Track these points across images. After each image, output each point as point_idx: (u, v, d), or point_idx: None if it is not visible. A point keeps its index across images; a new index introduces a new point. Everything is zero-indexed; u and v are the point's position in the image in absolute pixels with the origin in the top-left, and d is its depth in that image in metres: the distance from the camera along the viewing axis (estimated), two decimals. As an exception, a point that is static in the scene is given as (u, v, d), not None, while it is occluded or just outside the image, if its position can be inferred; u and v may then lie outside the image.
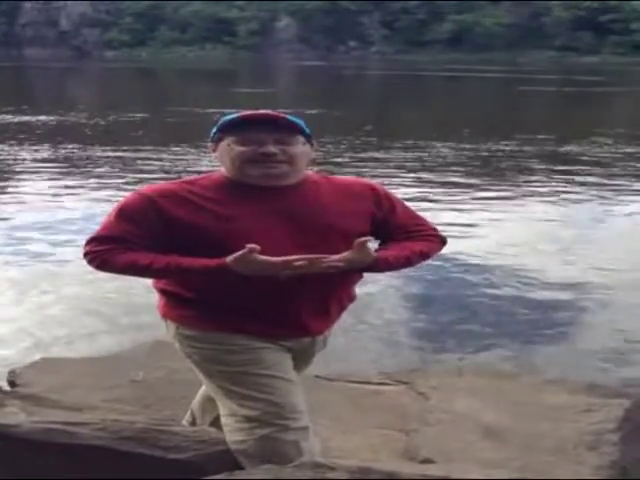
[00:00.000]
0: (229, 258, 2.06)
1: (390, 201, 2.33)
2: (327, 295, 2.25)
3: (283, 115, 2.20)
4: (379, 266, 2.20)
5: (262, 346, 2.21)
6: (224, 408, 2.25)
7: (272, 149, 2.14)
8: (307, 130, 2.25)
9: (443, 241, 2.41)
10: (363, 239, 2.10)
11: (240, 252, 2.03)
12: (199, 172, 2.58)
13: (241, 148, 2.15)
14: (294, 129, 2.19)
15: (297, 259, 2.04)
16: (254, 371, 2.18)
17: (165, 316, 2.31)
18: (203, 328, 2.22)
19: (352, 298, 2.38)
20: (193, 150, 13.22)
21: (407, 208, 2.40)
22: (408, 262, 2.28)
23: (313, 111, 18.70)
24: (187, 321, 2.25)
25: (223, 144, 2.20)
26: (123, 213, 2.17)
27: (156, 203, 2.14)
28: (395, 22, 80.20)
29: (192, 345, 2.25)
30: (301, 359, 2.36)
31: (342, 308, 2.36)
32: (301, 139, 2.21)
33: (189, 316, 2.24)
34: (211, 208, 2.14)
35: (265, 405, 2.15)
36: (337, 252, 2.13)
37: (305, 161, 2.24)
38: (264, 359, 2.20)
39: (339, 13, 79.28)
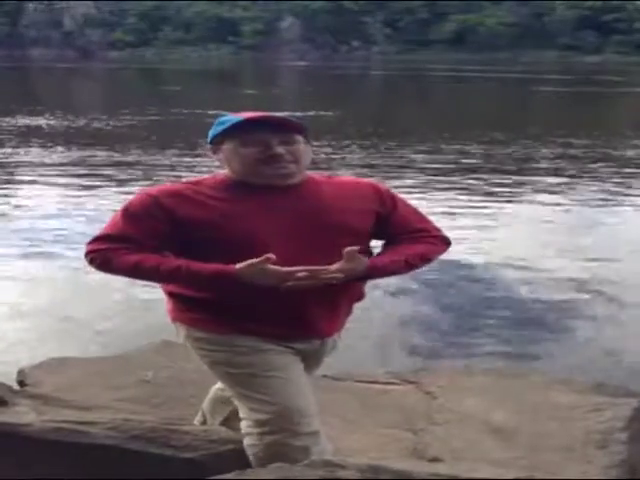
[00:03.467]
0: (240, 265, 2.05)
1: (393, 200, 2.33)
2: (337, 296, 2.24)
3: (285, 116, 2.23)
4: (374, 273, 2.20)
5: (271, 348, 2.21)
6: (240, 411, 2.26)
7: (280, 150, 2.15)
8: (305, 129, 2.26)
9: (447, 242, 2.40)
10: (350, 248, 2.10)
11: (256, 260, 2.03)
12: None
13: (248, 150, 2.16)
14: (295, 129, 2.20)
15: (300, 270, 2.05)
16: (262, 373, 2.18)
17: (175, 319, 2.31)
18: (212, 330, 2.22)
19: (361, 297, 2.38)
20: (201, 152, 13.16)
21: (410, 207, 2.40)
22: (407, 266, 2.28)
23: (316, 112, 18.69)
24: (196, 324, 2.24)
25: (227, 146, 2.21)
26: (129, 213, 2.16)
27: (162, 203, 2.14)
28: (398, 22, 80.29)
29: (202, 347, 2.26)
30: (311, 361, 2.36)
31: (351, 308, 2.36)
32: (301, 138, 2.22)
33: (198, 319, 2.24)
34: (217, 207, 2.15)
35: (274, 409, 2.15)
36: (341, 250, 2.13)
37: (308, 160, 2.25)
38: (273, 361, 2.20)
39: (342, 13, 79.29)
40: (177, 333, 2.34)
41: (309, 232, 2.16)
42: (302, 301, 2.17)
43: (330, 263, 2.11)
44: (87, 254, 2.17)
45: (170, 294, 2.29)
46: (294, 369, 2.24)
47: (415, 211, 2.40)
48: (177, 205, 2.14)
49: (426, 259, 2.32)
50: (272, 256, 2.03)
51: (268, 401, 2.15)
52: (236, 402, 2.28)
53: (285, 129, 2.18)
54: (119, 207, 2.22)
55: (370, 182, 2.40)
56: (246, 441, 2.21)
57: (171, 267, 2.11)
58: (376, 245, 2.36)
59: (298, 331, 2.23)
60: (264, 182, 2.17)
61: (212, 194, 2.17)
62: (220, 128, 2.22)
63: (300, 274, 2.05)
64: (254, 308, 2.19)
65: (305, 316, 2.20)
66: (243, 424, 2.23)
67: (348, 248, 2.10)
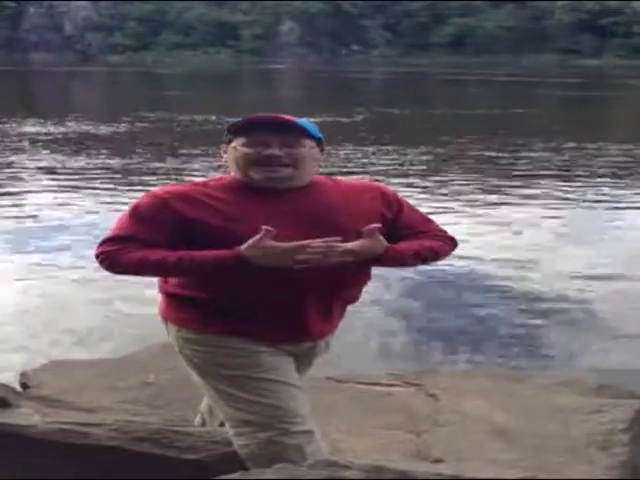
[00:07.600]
0: (243, 246, 2.05)
1: (399, 202, 2.34)
2: (332, 298, 2.24)
3: (290, 118, 2.21)
4: (389, 256, 2.18)
5: (262, 350, 2.21)
6: (222, 413, 2.26)
7: (276, 152, 2.14)
8: (317, 134, 2.25)
9: (454, 242, 2.40)
10: (373, 226, 2.10)
11: (255, 237, 2.03)
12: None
13: (246, 150, 2.16)
14: (301, 132, 2.18)
15: (311, 243, 2.03)
16: (254, 375, 2.18)
17: (166, 318, 2.31)
18: (204, 331, 2.22)
19: (355, 299, 2.37)
20: (207, 157, 13.12)
21: (416, 210, 2.40)
22: (418, 256, 2.27)
23: (318, 118, 18.67)
24: (188, 323, 2.25)
25: (232, 146, 2.22)
26: (136, 214, 2.18)
27: (168, 204, 2.15)
28: (397, 25, 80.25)
29: (192, 348, 2.25)
30: (303, 362, 2.36)
31: (345, 311, 2.36)
32: (309, 142, 2.20)
33: (190, 318, 2.24)
34: (222, 209, 2.15)
35: (265, 409, 2.15)
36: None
37: (313, 165, 2.24)
38: (264, 363, 2.20)
39: (342, 17, 79.33)
40: (167, 332, 2.34)
41: (313, 236, 2.13)
42: (296, 304, 2.17)
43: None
44: (97, 255, 2.19)
45: (166, 293, 2.30)
46: (286, 370, 2.24)
47: (420, 214, 2.41)
48: (183, 206, 2.14)
49: (436, 254, 2.32)
50: (270, 229, 2.02)
51: (259, 401, 2.15)
52: (216, 402, 2.27)
53: (290, 131, 2.17)
54: (127, 208, 2.23)
55: (377, 185, 2.41)
56: (237, 442, 2.20)
57: (174, 259, 2.11)
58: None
59: (291, 334, 2.23)
60: (256, 184, 2.17)
61: (217, 196, 2.18)
62: (228, 128, 2.23)
63: (312, 248, 2.03)
64: (247, 310, 2.19)
65: (298, 319, 2.20)
66: (229, 425, 2.22)
67: (368, 226, 2.10)
